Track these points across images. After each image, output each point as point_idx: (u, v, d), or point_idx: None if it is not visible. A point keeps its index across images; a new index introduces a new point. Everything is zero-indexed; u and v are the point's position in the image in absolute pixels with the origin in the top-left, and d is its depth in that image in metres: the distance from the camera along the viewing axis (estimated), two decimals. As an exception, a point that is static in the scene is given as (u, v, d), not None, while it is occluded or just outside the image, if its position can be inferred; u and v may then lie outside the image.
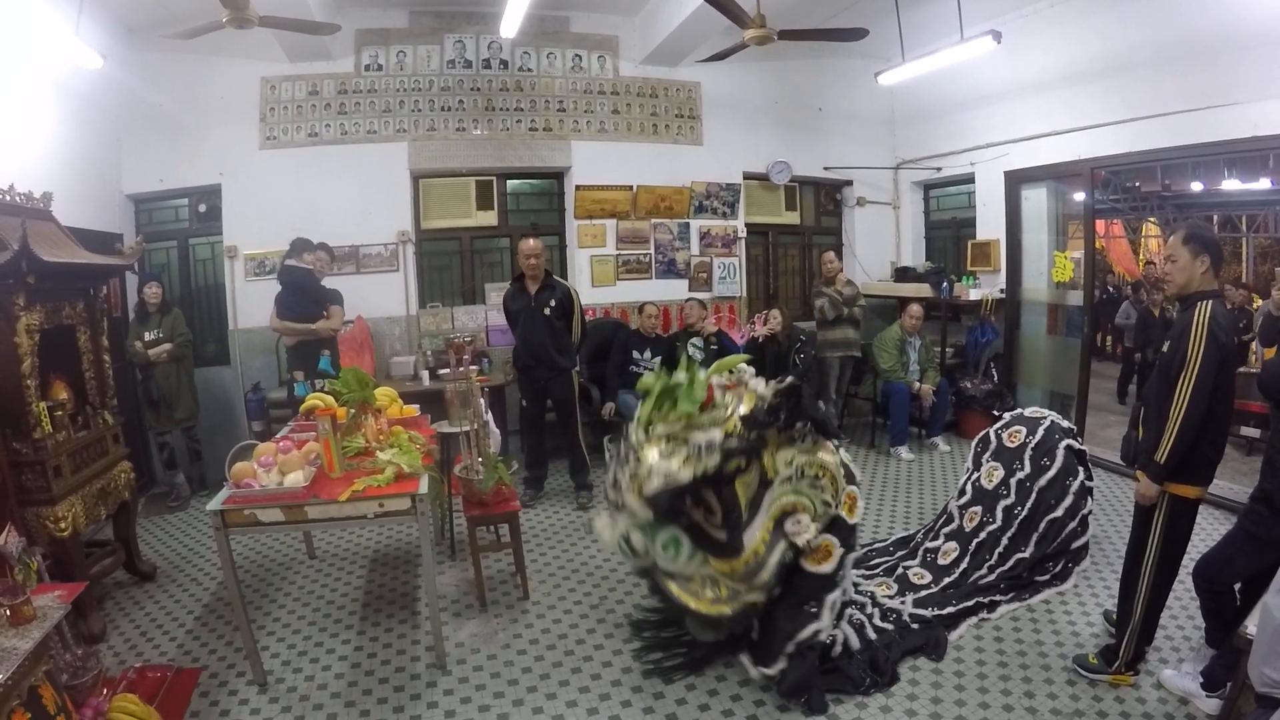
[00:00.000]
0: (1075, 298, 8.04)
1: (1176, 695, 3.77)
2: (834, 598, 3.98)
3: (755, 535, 3.79)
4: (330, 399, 4.71)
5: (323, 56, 7.54)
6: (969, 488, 5.39)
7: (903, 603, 4.74)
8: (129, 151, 7.30)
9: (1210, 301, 3.45)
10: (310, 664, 4.26)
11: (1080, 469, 5.07)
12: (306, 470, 4.00)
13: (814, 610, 3.94)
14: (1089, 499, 5.11)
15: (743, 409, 3.79)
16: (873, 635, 4.31)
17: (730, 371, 4.20)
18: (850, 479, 4.13)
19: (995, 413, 8.34)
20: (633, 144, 8.80)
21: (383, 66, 7.87)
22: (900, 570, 5.24)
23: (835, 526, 3.96)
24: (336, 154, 7.77)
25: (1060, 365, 8.28)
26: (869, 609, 4.60)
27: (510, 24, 6.84)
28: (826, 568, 3.92)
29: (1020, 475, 5.09)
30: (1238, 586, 3.68)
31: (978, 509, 5.24)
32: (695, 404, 3.72)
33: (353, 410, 4.65)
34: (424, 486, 3.98)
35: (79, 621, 4.32)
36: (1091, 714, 3.68)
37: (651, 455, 3.63)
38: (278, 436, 4.75)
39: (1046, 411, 5.47)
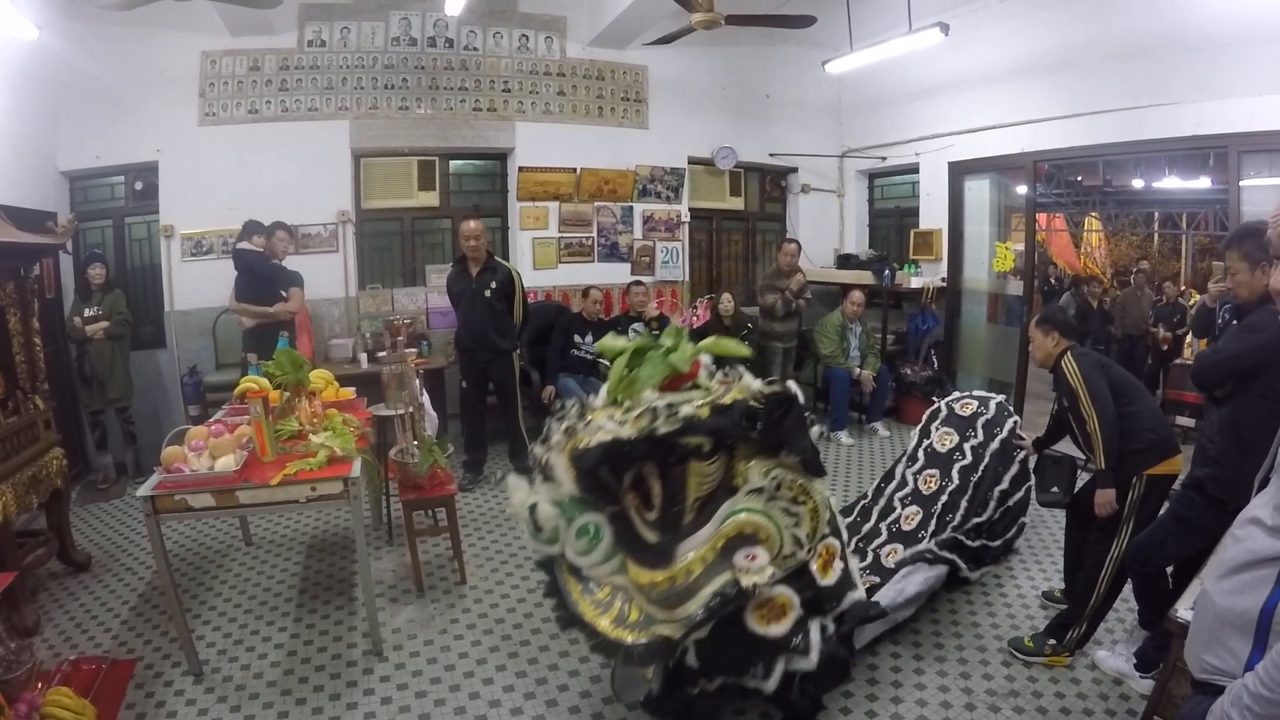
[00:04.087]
0: (1015, 287, 8.16)
1: (1110, 676, 3.87)
2: (798, 664, 3.17)
3: (697, 549, 2.91)
4: (264, 381, 4.66)
5: (265, 31, 7.37)
6: (921, 454, 5.22)
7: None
8: (64, 126, 7.07)
9: (1067, 353, 4.01)
10: (246, 653, 4.21)
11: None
12: (238, 454, 3.93)
13: (762, 675, 3.18)
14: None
15: (727, 399, 3.02)
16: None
17: (724, 367, 3.42)
18: (835, 530, 3.39)
19: (935, 399, 8.49)
20: (578, 126, 8.75)
21: (326, 42, 7.72)
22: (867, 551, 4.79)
23: (798, 579, 3.11)
24: (277, 132, 7.62)
25: (999, 353, 8.40)
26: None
27: (456, 1, 6.72)
28: (777, 630, 3.04)
29: (974, 441, 5.03)
30: (1170, 570, 3.79)
31: (934, 472, 5.05)
32: (666, 373, 3.05)
33: (286, 393, 4.60)
34: (357, 470, 3.94)
35: (12, 614, 4.22)
36: (1027, 694, 3.77)
37: (601, 417, 3.01)
38: (210, 420, 4.68)
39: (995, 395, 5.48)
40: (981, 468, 4.90)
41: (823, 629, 3.26)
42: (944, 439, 5.15)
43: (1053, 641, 4.03)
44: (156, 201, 7.41)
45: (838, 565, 3.34)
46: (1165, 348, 9.13)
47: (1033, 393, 8.52)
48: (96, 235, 7.68)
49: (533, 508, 3.03)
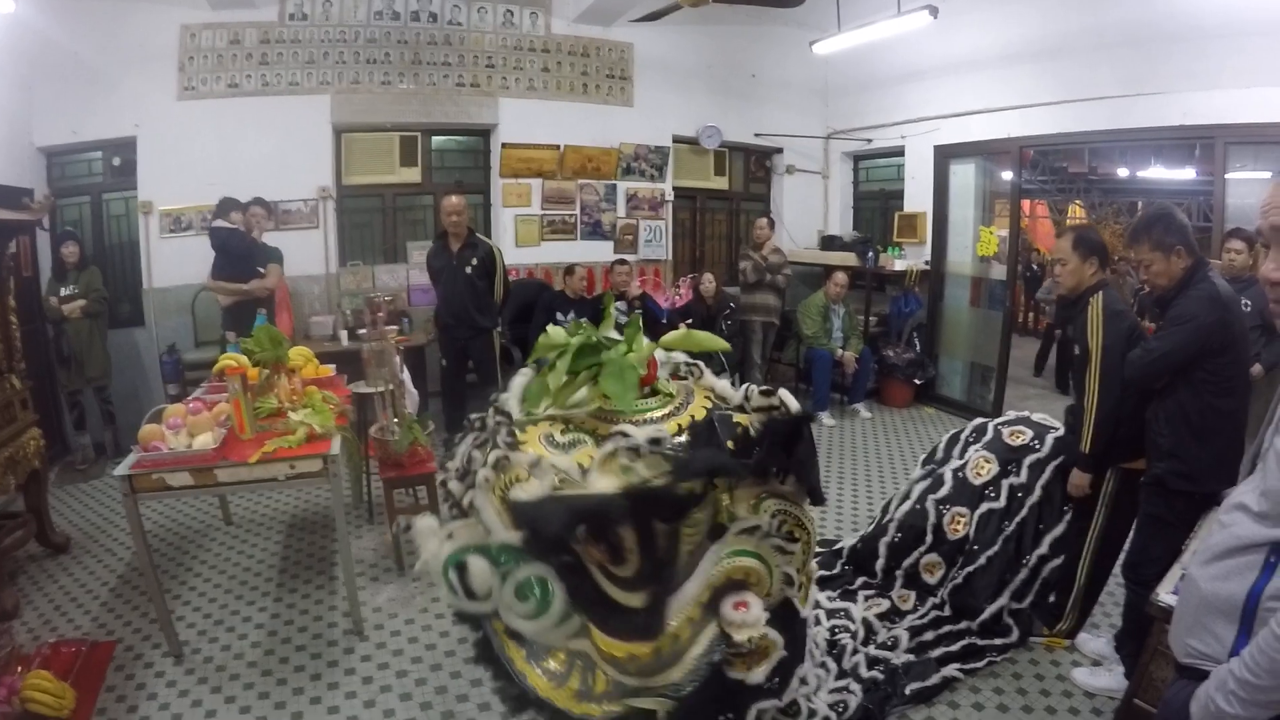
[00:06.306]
0: (999, 272, 8.18)
1: (1090, 659, 3.89)
2: (766, 704, 2.62)
3: (684, 610, 2.39)
4: (243, 358, 4.61)
5: (246, 4, 7.26)
6: (949, 478, 4.37)
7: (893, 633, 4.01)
8: (41, 101, 6.93)
9: (1100, 293, 3.65)
10: (226, 633, 4.20)
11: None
12: (216, 432, 3.89)
13: None
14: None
15: (693, 410, 2.63)
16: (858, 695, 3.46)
17: (687, 361, 3.05)
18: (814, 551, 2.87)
19: (917, 381, 8.51)
20: (562, 103, 8.69)
21: (307, 16, 7.61)
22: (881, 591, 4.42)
23: (780, 616, 2.56)
24: (257, 106, 7.51)
25: (981, 337, 8.42)
26: (852, 654, 3.77)
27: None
28: (758, 675, 2.50)
29: (1014, 480, 4.14)
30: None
31: (963, 511, 4.22)
32: (629, 384, 2.55)
33: (265, 370, 4.56)
34: (336, 447, 3.93)
35: (-10, 598, 4.19)
36: (1007, 675, 3.80)
37: (538, 441, 2.51)
38: (188, 398, 4.64)
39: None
40: (1018, 517, 4.07)
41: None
42: (980, 466, 4.28)
43: (1046, 630, 4.04)
44: (135, 177, 7.30)
45: (813, 590, 2.87)
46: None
47: (1014, 378, 8.59)
48: (74, 212, 7.58)
49: (461, 567, 2.38)
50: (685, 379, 2.96)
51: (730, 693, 2.49)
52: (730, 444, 2.38)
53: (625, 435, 2.33)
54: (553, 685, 2.53)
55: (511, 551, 2.34)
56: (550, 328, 2.83)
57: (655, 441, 2.29)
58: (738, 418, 2.49)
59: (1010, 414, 4.55)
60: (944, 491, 4.33)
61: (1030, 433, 4.25)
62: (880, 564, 4.48)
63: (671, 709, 2.40)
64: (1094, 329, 3.60)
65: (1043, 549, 4.01)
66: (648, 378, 2.70)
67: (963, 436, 4.53)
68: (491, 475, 2.44)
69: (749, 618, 2.35)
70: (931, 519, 4.31)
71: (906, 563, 4.38)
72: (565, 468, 2.32)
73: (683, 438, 2.47)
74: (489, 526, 2.40)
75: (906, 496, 4.53)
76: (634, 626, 2.35)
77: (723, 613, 2.37)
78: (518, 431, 2.56)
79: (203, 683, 3.75)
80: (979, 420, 4.62)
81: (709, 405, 2.67)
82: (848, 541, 4.86)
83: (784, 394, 2.57)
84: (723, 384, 2.85)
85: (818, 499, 2.63)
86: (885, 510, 4.66)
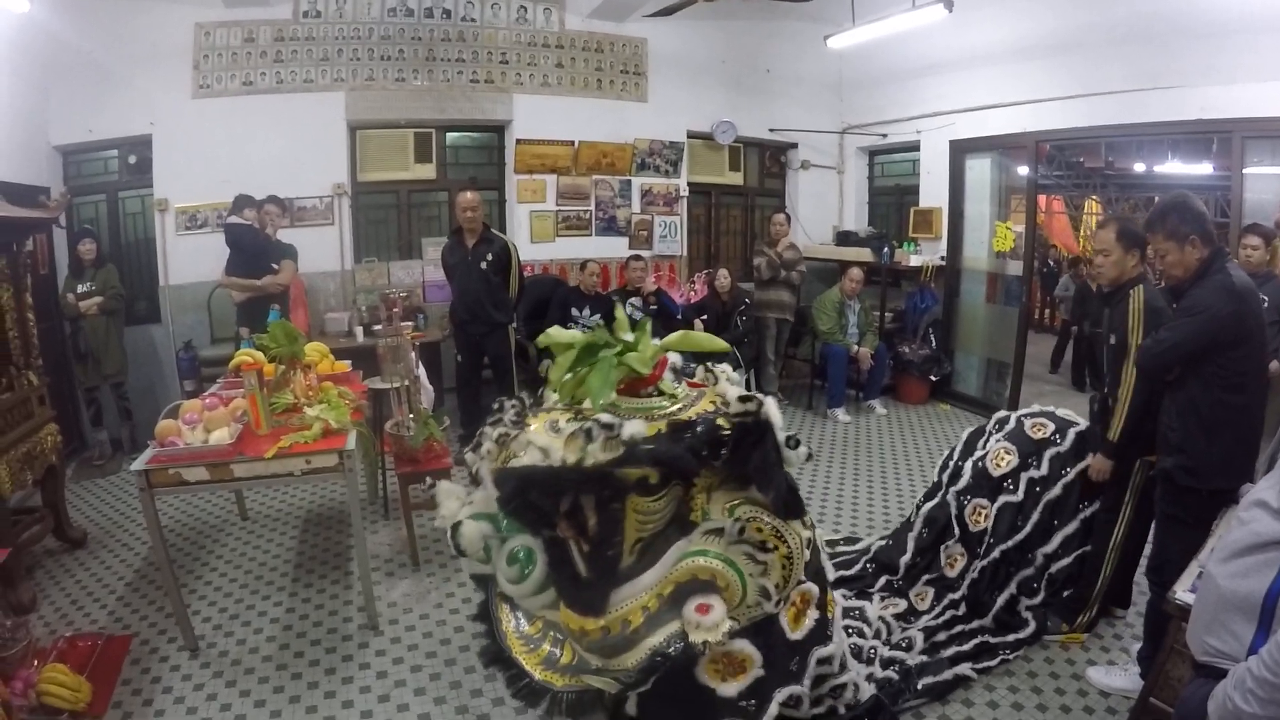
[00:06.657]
0: (1015, 268, 8.15)
1: (1106, 657, 3.85)
2: None
3: (638, 596, 2.50)
4: (259, 354, 4.63)
5: (260, 2, 7.29)
6: (969, 469, 4.40)
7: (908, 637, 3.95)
8: (56, 101, 6.97)
9: (1140, 286, 3.60)
10: (242, 627, 4.22)
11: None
12: (232, 427, 3.91)
13: None
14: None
15: (692, 411, 2.65)
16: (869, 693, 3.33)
17: (706, 366, 3.10)
18: (816, 573, 2.87)
19: (932, 378, 8.47)
20: (576, 99, 8.68)
21: (321, 13, 7.62)
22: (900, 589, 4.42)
23: (763, 633, 2.63)
24: (272, 104, 7.53)
25: (998, 334, 8.38)
26: (869, 657, 3.66)
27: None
28: (730, 688, 2.58)
29: (1034, 474, 4.13)
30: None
31: (983, 503, 4.24)
32: (608, 384, 2.59)
33: (281, 366, 4.57)
34: (351, 442, 3.94)
35: (7, 592, 4.19)
36: (1021, 674, 3.77)
37: (541, 425, 2.59)
38: (205, 394, 4.65)
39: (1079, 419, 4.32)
40: (1032, 518, 4.07)
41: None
42: (1000, 458, 4.27)
43: (1065, 625, 4.00)
44: (150, 175, 7.34)
45: (811, 615, 2.78)
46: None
47: (1030, 374, 8.54)
48: (90, 210, 7.61)
49: (455, 527, 2.75)
50: (704, 382, 3.02)
51: (699, 699, 2.57)
52: (703, 445, 2.47)
53: (597, 422, 2.42)
54: (526, 649, 2.75)
55: (509, 522, 2.63)
56: (554, 329, 2.94)
57: (608, 427, 2.38)
58: (719, 420, 2.54)
59: (1034, 406, 4.53)
60: (963, 483, 4.37)
61: (1052, 426, 4.24)
62: (906, 559, 4.50)
63: (620, 692, 2.56)
64: (1134, 324, 3.56)
65: (1051, 546, 4.04)
66: (652, 378, 2.74)
67: (987, 429, 4.55)
68: (494, 449, 2.71)
69: (705, 620, 2.41)
70: (953, 510, 4.36)
71: (932, 557, 4.43)
72: (545, 445, 2.43)
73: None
74: (490, 492, 2.60)
75: (932, 494, 4.59)
76: (580, 601, 2.53)
77: (685, 612, 2.45)
78: (529, 415, 2.79)
79: (218, 676, 3.76)
80: (1002, 412, 4.63)
81: (710, 409, 2.68)
82: (875, 540, 4.89)
83: (769, 402, 2.66)
84: (734, 391, 2.82)
85: (791, 511, 2.65)
86: (916, 508, 4.68)
